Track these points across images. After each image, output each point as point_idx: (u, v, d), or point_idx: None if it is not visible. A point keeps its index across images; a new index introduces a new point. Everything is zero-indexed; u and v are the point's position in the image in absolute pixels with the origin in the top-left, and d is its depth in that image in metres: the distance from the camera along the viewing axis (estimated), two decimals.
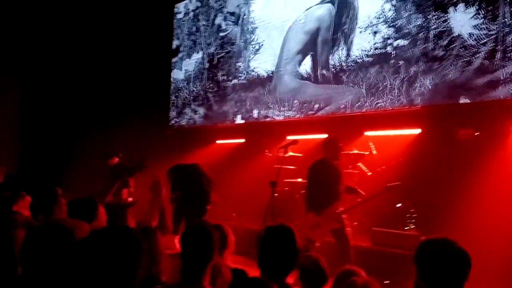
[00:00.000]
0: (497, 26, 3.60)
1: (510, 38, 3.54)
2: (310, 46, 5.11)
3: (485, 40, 3.67)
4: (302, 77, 5.18)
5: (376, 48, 4.40)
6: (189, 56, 6.89)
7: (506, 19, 3.55)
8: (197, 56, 6.73)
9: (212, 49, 6.48)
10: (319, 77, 4.99)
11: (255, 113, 5.69)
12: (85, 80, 7.10)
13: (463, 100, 3.79)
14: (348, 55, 4.68)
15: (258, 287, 1.42)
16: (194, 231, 1.65)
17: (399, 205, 4.15)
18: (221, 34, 6.33)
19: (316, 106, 4.96)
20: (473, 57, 3.73)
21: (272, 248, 1.58)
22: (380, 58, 4.37)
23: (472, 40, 3.74)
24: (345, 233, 3.49)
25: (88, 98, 7.05)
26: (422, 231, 3.75)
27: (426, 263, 1.42)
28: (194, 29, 6.81)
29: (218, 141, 6.34)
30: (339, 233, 3.50)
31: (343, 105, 4.67)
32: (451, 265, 1.40)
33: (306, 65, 5.14)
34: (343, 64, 4.72)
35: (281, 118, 5.35)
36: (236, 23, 6.14)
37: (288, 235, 1.60)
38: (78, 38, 7.03)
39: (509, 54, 3.53)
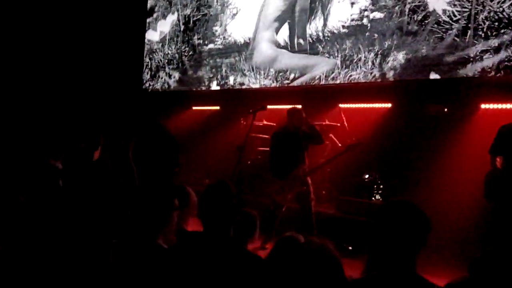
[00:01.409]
0: (470, 4, 3.64)
1: (482, 17, 3.59)
2: (287, 14, 5.04)
3: (458, 17, 3.72)
4: (279, 45, 5.14)
5: (352, 20, 4.39)
6: (164, 17, 6.68)
7: None
8: (172, 18, 6.53)
9: (188, 11, 6.29)
10: (295, 46, 4.96)
11: (231, 79, 5.65)
12: (55, 39, 6.81)
13: (433, 76, 3.87)
14: (325, 25, 4.65)
15: (200, 242, 1.54)
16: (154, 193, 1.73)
17: (366, 176, 4.31)
18: None
19: (292, 75, 4.97)
20: (446, 34, 3.78)
21: (208, 203, 1.66)
22: (356, 30, 4.37)
23: (446, 17, 3.78)
24: (309, 199, 3.60)
25: (58, 58, 6.79)
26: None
27: (383, 223, 1.37)
28: None
29: (194, 108, 6.30)
30: (304, 198, 3.60)
31: (318, 76, 4.69)
32: (409, 226, 1.34)
33: (283, 33, 5.09)
34: (320, 34, 4.69)
35: (257, 86, 5.33)
36: None
37: (224, 191, 1.67)
38: None
39: (480, 33, 3.60)
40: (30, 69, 6.67)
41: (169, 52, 6.56)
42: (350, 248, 3.44)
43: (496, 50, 3.51)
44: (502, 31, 3.49)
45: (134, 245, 1.66)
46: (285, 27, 5.07)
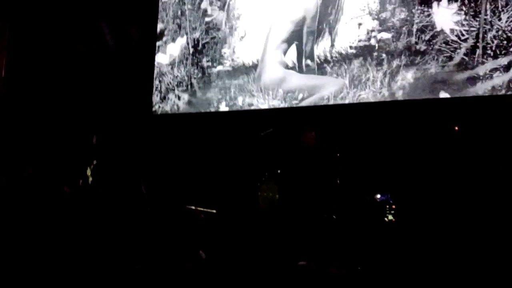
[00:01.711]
0: (478, 23, 3.65)
1: (490, 35, 3.60)
2: (295, 35, 5.10)
3: (466, 37, 3.73)
4: (287, 66, 5.19)
5: (360, 40, 4.42)
6: (173, 40, 6.80)
7: (487, 16, 3.61)
8: (181, 41, 6.65)
9: (197, 34, 6.40)
10: (303, 66, 5.00)
11: (239, 100, 5.69)
12: (67, 62, 6.95)
13: (443, 95, 3.86)
14: (332, 45, 4.69)
15: None
16: None
17: (378, 196, 4.26)
18: (207, 19, 6.25)
19: (300, 96, 4.99)
20: (454, 53, 3.79)
21: None
22: (363, 50, 4.40)
23: (454, 36, 3.79)
24: None
25: (67, 82, 6.92)
26: None
27: None
28: (179, 12, 6.70)
29: None
30: None
31: (327, 96, 4.71)
32: None
33: (291, 55, 5.14)
34: (328, 54, 4.73)
35: (265, 106, 5.36)
36: (222, 8, 6.07)
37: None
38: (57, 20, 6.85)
39: (489, 51, 3.60)
40: (41, 92, 6.79)
41: (179, 74, 6.65)
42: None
43: (506, 68, 3.50)
44: (511, 49, 3.49)
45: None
46: (293, 48, 5.12)
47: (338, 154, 4.00)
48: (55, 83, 6.83)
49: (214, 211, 4.69)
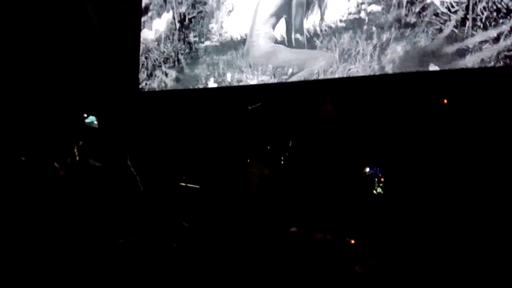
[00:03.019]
0: None
1: (480, 7, 3.58)
2: (284, 9, 5.01)
3: (456, 8, 3.70)
4: (276, 41, 5.11)
5: (350, 13, 4.36)
6: (159, 15, 6.63)
7: None
8: (167, 16, 6.49)
9: (183, 9, 6.25)
10: (293, 41, 4.93)
11: (228, 77, 5.62)
12: (49, 40, 6.74)
13: (432, 68, 3.86)
14: (322, 19, 4.63)
15: None
16: None
17: (367, 169, 4.29)
18: None
19: (290, 71, 4.94)
20: (444, 25, 3.77)
21: None
22: (353, 23, 4.35)
23: (444, 8, 3.76)
24: None
25: (52, 59, 6.73)
26: None
27: None
28: None
29: None
30: None
31: (316, 71, 4.67)
32: None
33: (280, 29, 5.06)
34: (317, 28, 4.67)
35: (254, 82, 5.30)
36: None
37: None
38: None
39: (478, 23, 3.59)
40: (24, 70, 6.61)
41: (165, 50, 6.51)
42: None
43: (495, 40, 3.50)
44: (501, 21, 3.48)
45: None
46: (282, 22, 5.04)
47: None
48: (40, 62, 6.65)
49: (198, 186, 4.68)
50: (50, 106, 6.30)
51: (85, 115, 4.53)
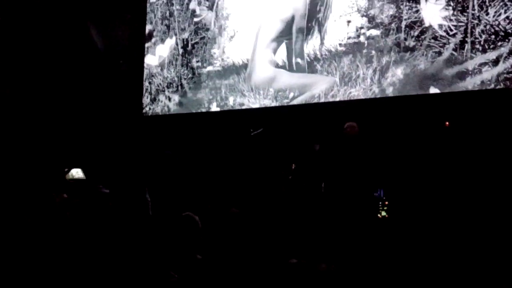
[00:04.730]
0: (466, 18, 3.67)
1: (478, 30, 3.62)
2: (285, 34, 5.08)
3: (454, 32, 3.74)
4: (277, 65, 5.17)
5: (349, 38, 4.42)
6: (162, 41, 6.75)
7: (474, 11, 3.62)
8: (170, 42, 6.60)
9: (186, 35, 6.36)
10: (293, 65, 4.99)
11: (230, 100, 5.66)
12: (56, 65, 6.86)
13: (433, 91, 3.87)
14: (322, 43, 4.69)
15: None
16: None
17: None
18: (195, 19, 6.22)
19: (291, 94, 4.98)
20: (443, 48, 3.80)
21: None
22: (353, 47, 4.40)
23: (442, 31, 3.81)
24: None
25: (59, 82, 6.82)
26: None
27: None
28: (167, 13, 6.65)
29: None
30: None
31: (317, 94, 4.70)
32: None
33: (281, 53, 5.13)
34: (317, 52, 4.73)
35: (256, 106, 5.34)
36: (210, 8, 6.04)
37: None
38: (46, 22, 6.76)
39: (477, 46, 3.62)
40: (28, 94, 6.69)
41: (168, 75, 6.60)
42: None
43: (495, 62, 3.52)
44: (499, 43, 3.51)
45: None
46: (283, 47, 5.11)
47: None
48: (45, 86, 6.75)
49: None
50: (52, 130, 6.35)
51: (66, 169, 4.52)
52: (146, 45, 6.96)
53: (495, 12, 3.55)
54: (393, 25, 4.10)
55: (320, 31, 4.71)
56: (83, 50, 6.68)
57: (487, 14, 3.56)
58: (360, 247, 3.42)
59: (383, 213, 4.08)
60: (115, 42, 6.71)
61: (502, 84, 3.47)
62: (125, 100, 6.69)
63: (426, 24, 3.90)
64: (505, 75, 3.46)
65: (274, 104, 5.14)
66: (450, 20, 3.75)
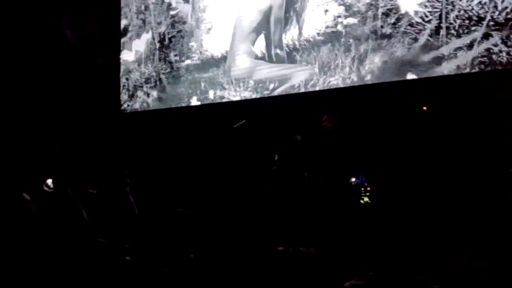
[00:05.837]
0: (441, 4, 3.73)
1: (453, 15, 3.69)
2: (263, 25, 5.07)
3: (430, 18, 3.81)
4: (256, 57, 5.16)
5: (327, 27, 4.45)
6: (138, 36, 6.64)
7: None
8: (147, 36, 6.50)
9: (162, 28, 6.27)
10: (273, 56, 4.98)
11: (210, 94, 5.63)
12: (30, 63, 6.66)
13: (410, 77, 3.94)
14: (300, 33, 4.70)
15: None
16: None
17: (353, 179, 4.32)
18: (172, 12, 6.13)
19: (271, 86, 4.98)
20: (419, 34, 3.86)
21: None
22: (331, 36, 4.42)
23: (418, 18, 3.87)
24: None
25: (31, 80, 6.63)
26: None
27: None
28: (142, 7, 6.54)
29: None
30: None
31: (297, 84, 4.71)
32: None
33: (260, 45, 5.12)
34: (296, 43, 4.74)
35: (237, 98, 5.32)
36: (187, 1, 5.97)
37: None
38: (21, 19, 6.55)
39: (452, 31, 3.69)
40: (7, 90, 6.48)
41: (146, 71, 6.50)
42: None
43: (469, 47, 3.60)
44: (473, 28, 3.59)
45: None
46: (261, 38, 5.10)
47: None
48: (15, 84, 6.55)
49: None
50: (27, 129, 6.18)
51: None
52: (122, 40, 6.84)
53: None
54: (369, 13, 4.14)
55: (298, 21, 4.72)
56: (55, 47, 6.51)
57: None
58: (345, 233, 3.47)
59: (366, 199, 4.14)
60: (89, 38, 6.56)
61: (477, 68, 3.56)
62: (102, 98, 6.57)
63: (402, 11, 3.95)
64: (479, 59, 3.54)
65: (254, 96, 5.13)
66: (425, 6, 3.81)
